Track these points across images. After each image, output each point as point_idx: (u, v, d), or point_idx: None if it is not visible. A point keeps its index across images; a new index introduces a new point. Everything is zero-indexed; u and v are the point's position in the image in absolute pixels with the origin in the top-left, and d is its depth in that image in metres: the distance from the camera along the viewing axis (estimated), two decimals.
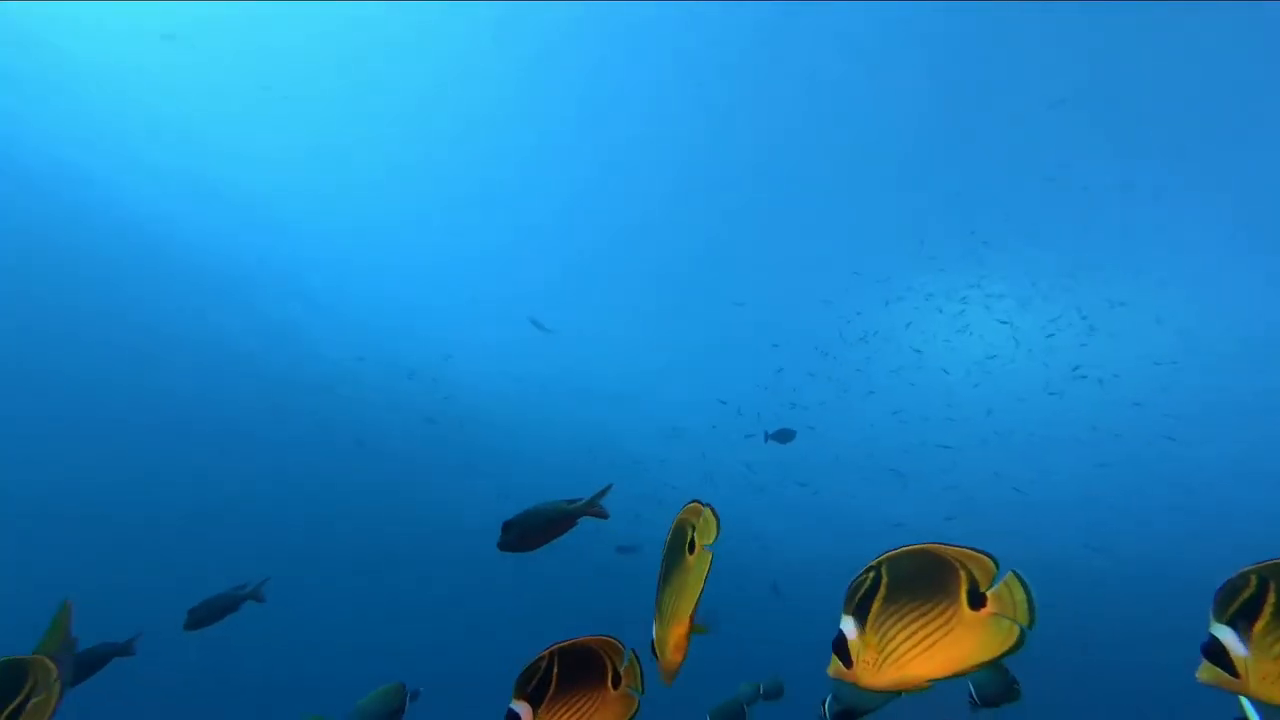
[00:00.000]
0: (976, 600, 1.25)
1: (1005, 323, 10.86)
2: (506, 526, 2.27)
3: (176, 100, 9.26)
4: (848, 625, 1.30)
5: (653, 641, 1.47)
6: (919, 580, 1.28)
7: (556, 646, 1.49)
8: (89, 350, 13.78)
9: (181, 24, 8.30)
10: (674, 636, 1.41)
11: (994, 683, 2.83)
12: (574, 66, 8.77)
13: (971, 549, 1.27)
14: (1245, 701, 1.37)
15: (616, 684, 1.50)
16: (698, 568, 1.43)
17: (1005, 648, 1.22)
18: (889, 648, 1.27)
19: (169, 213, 11.02)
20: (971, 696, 2.87)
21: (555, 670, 1.46)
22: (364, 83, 9.20)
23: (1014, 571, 1.25)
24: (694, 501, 1.51)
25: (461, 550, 17.86)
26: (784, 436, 9.11)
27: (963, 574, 1.26)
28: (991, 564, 1.26)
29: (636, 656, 1.54)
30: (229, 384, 14.59)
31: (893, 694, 2.53)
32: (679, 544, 1.49)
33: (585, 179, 10.43)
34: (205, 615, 3.31)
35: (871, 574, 1.31)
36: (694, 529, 1.48)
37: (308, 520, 18.56)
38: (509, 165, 10.32)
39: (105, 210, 10.97)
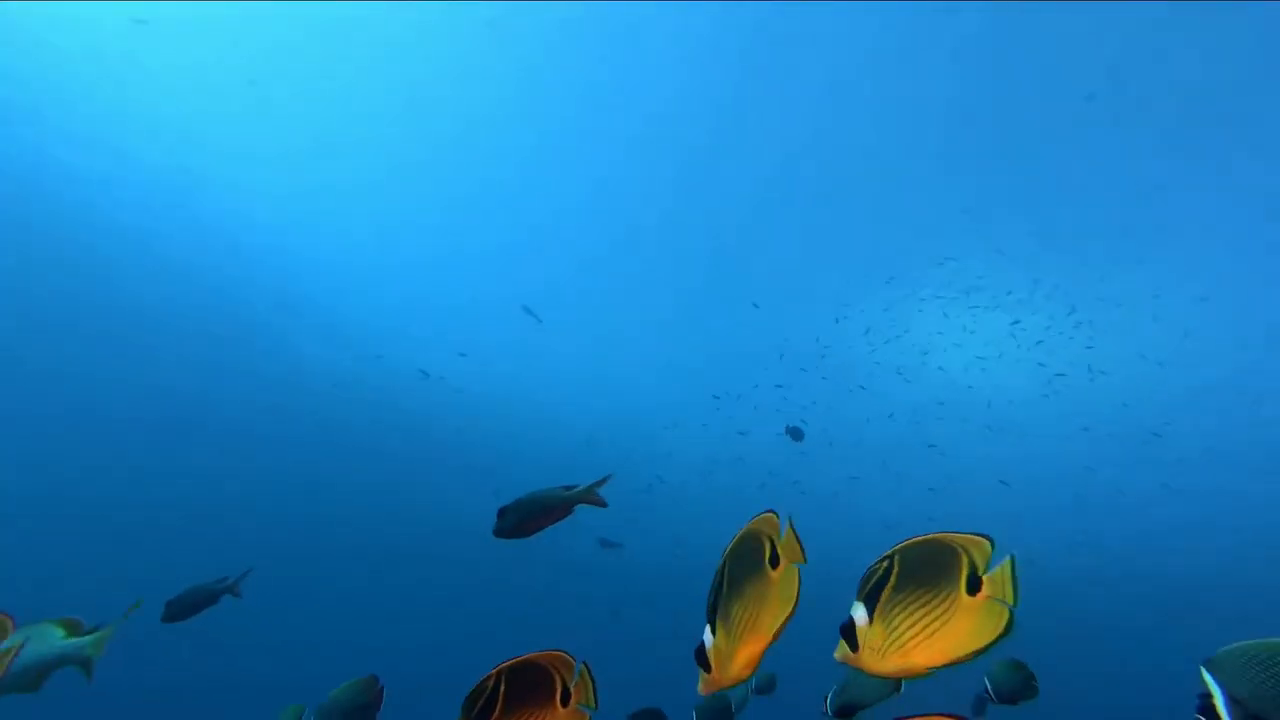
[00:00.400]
0: (974, 585, 1.26)
1: (1016, 322, 10.82)
2: (502, 512, 2.24)
3: (175, 100, 9.28)
4: (858, 611, 1.32)
5: (703, 649, 1.38)
6: (926, 569, 1.30)
7: (504, 665, 1.45)
8: (98, 348, 13.79)
9: (177, 22, 8.32)
10: (748, 653, 1.36)
11: (1012, 679, 2.78)
12: (581, 64, 8.77)
13: (974, 534, 1.29)
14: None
15: (566, 700, 1.47)
16: (785, 585, 1.37)
17: (996, 634, 1.23)
18: (894, 635, 1.29)
19: (176, 212, 11.03)
20: (987, 692, 2.81)
21: (502, 690, 1.42)
22: (369, 81, 9.21)
23: (1010, 556, 1.27)
24: (768, 511, 1.43)
25: (462, 548, 17.87)
26: (796, 434, 9.22)
27: (964, 559, 1.28)
28: (990, 547, 1.28)
29: (589, 670, 1.50)
30: (228, 382, 14.61)
31: (895, 688, 2.55)
32: (754, 555, 1.41)
33: (591, 178, 10.43)
34: (182, 608, 3.26)
35: (885, 563, 1.33)
36: (771, 542, 1.41)
37: (316, 520, 18.57)
38: (512, 164, 10.33)
39: (112, 209, 10.97)
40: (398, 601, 22.34)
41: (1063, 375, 11.34)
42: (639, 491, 15.99)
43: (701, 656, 1.37)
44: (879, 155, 9.29)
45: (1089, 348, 10.91)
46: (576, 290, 12.38)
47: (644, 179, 10.27)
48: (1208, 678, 1.42)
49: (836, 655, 1.36)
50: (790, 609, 1.35)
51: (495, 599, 21.80)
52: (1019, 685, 2.77)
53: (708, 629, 1.36)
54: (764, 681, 4.45)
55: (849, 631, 1.32)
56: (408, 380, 14.35)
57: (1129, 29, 7.35)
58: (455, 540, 18.35)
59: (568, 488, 2.32)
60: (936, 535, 1.32)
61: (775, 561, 1.39)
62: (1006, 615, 1.23)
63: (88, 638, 2.11)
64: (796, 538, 1.40)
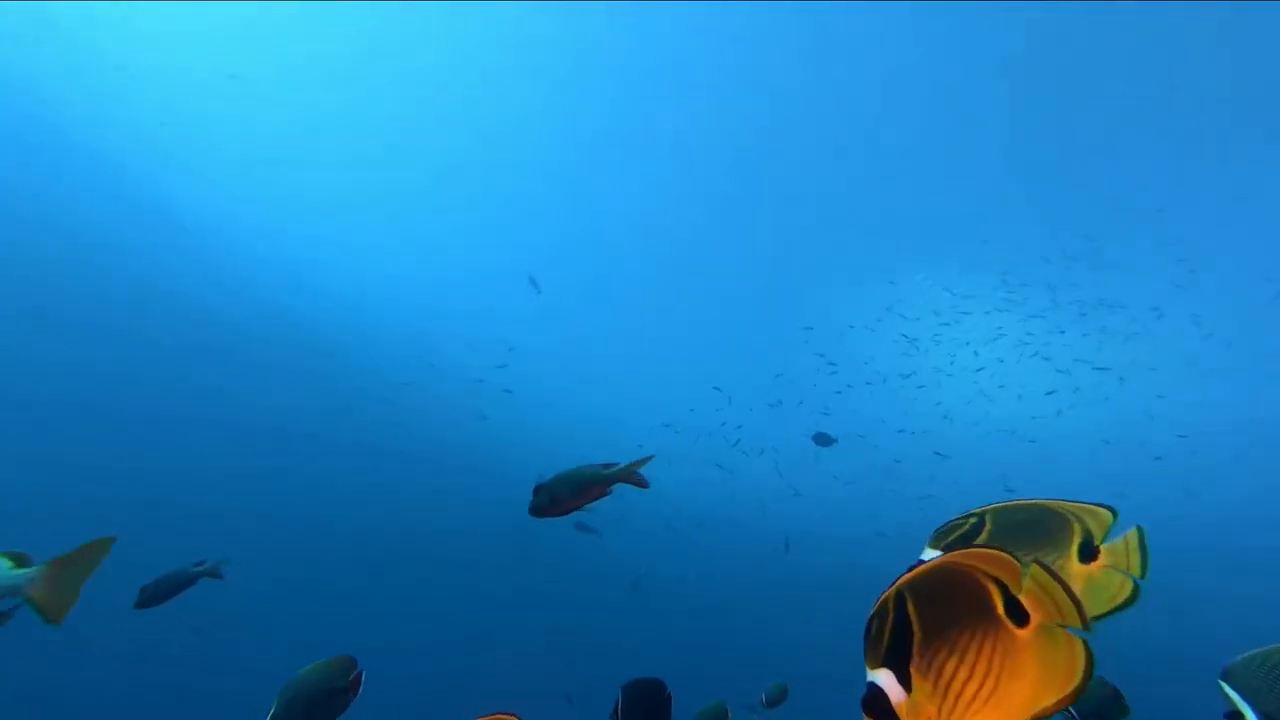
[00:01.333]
0: (1088, 554, 1.19)
1: (1062, 332, 10.64)
2: (537, 489, 2.13)
3: (201, 107, 9.26)
4: (930, 556, 1.19)
5: (885, 701, 0.96)
6: (1026, 530, 1.18)
7: None
8: (97, 347, 13.79)
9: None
10: None
11: (1094, 696, 2.42)
12: (622, 73, 8.70)
13: (1090, 503, 1.20)
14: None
15: None
16: (1051, 652, 0.93)
17: (1116, 603, 1.13)
18: None
19: (176, 211, 11.02)
20: (1070, 714, 2.46)
21: None
22: (406, 92, 9.17)
23: (1138, 527, 1.16)
24: (991, 548, 0.98)
25: (463, 548, 17.84)
26: (824, 440, 9.18)
27: (1076, 527, 1.20)
28: (1109, 516, 1.20)
29: None
30: (229, 382, 14.60)
31: None
32: (969, 600, 0.99)
33: (627, 190, 10.38)
34: (157, 593, 3.11)
35: (973, 520, 1.20)
36: (1004, 590, 0.97)
37: (316, 519, 18.57)
38: (542, 177, 10.29)
39: (110, 208, 10.97)
40: (398, 601, 22.31)
41: (1046, 387, 11.16)
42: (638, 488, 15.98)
43: (885, 711, 0.97)
44: (921, 163, 9.19)
45: (1133, 358, 10.74)
46: (575, 296, 12.36)
47: (686, 185, 10.21)
48: (1233, 694, 1.36)
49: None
50: (1071, 689, 0.92)
51: (495, 599, 21.76)
52: (1106, 704, 2.41)
53: (887, 676, 0.97)
54: (775, 693, 4.22)
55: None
56: (414, 382, 14.34)
57: (1183, 38, 7.19)
58: (455, 540, 18.32)
59: (606, 466, 2.22)
60: (1039, 500, 1.20)
61: (1016, 617, 0.98)
62: (1129, 585, 1.12)
63: (36, 569, 1.81)
64: (1067, 591, 0.94)
